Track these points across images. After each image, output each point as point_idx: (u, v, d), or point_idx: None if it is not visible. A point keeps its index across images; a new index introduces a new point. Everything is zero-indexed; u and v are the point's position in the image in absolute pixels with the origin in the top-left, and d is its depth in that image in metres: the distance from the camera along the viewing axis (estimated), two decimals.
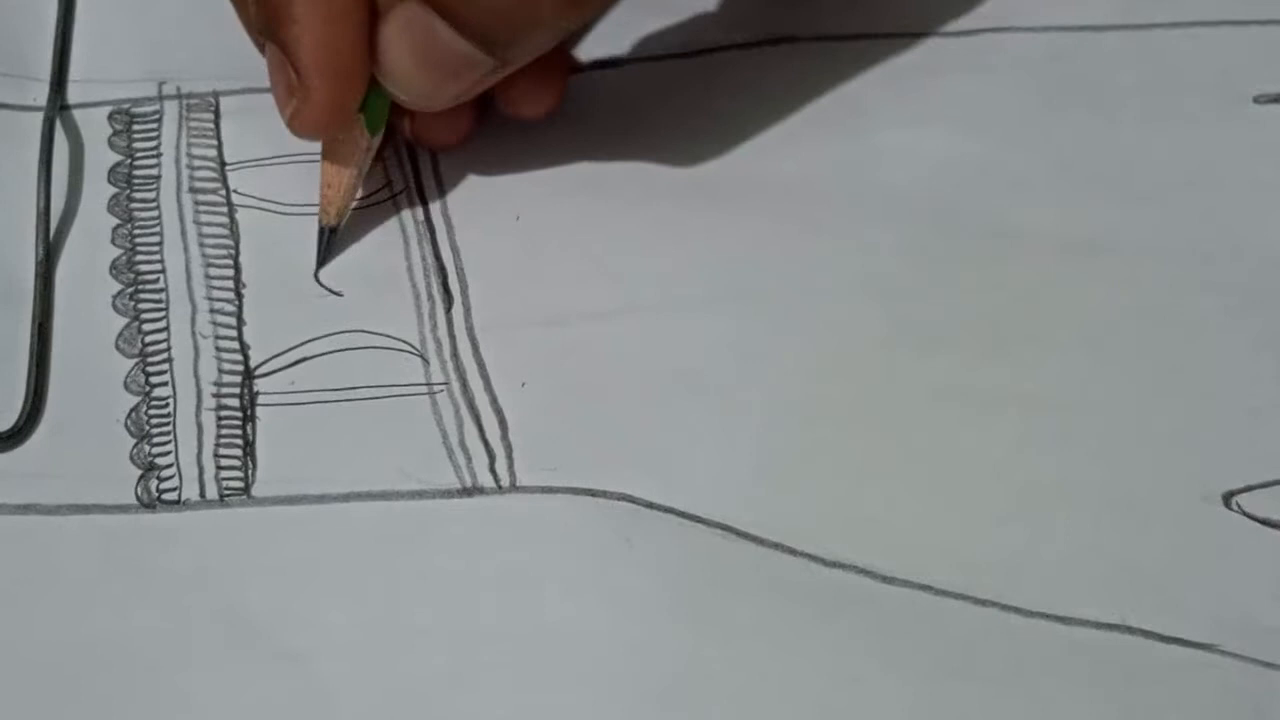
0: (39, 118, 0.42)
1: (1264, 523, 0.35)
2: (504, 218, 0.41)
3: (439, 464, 0.36)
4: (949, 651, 0.33)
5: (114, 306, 0.39)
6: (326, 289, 0.39)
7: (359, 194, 0.40)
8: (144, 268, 0.39)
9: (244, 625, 0.33)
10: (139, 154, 0.42)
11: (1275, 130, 0.43)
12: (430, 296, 0.39)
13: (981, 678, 0.33)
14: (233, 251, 0.40)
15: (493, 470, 0.36)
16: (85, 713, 0.32)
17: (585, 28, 0.44)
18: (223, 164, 0.42)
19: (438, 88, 0.38)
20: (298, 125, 0.38)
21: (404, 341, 0.38)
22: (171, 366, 0.37)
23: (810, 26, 0.45)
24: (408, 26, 0.37)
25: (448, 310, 0.39)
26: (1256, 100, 0.43)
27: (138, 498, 0.35)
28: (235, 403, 0.37)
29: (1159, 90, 0.44)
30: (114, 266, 0.39)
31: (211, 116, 0.43)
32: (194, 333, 0.38)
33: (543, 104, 0.41)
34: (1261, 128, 0.43)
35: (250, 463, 0.36)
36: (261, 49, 0.38)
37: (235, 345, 0.38)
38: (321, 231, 0.39)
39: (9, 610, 0.33)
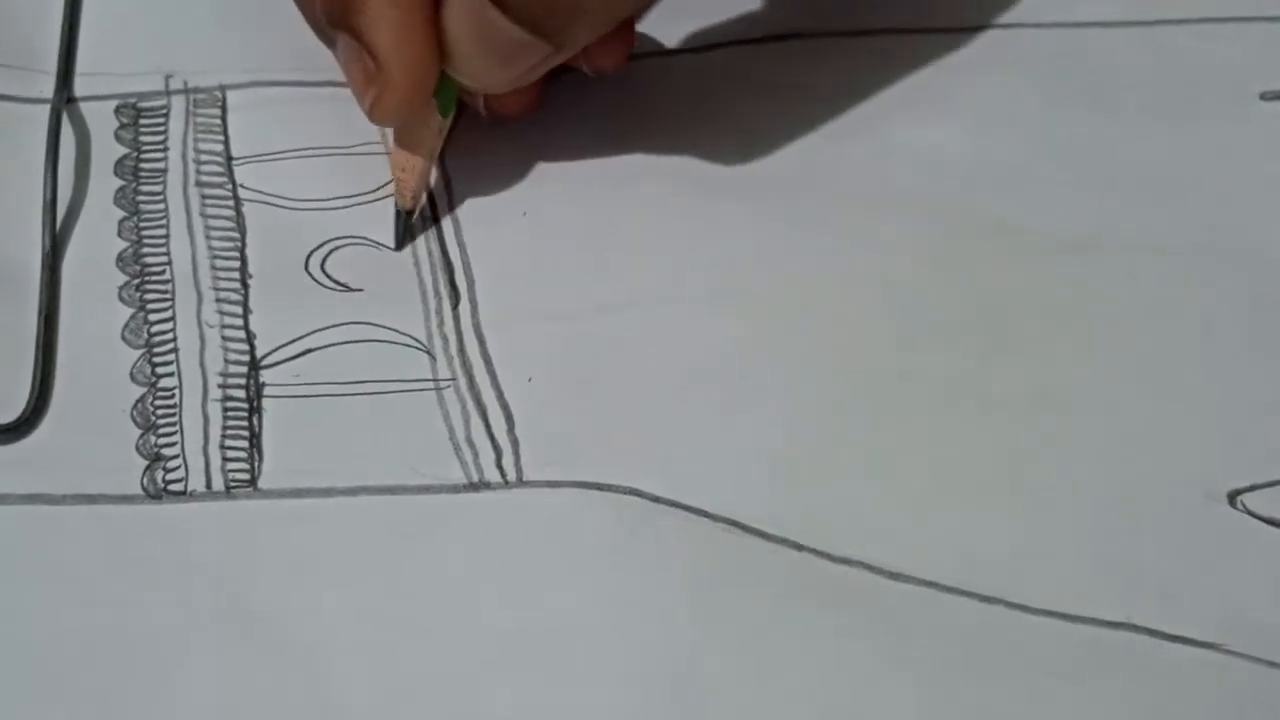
0: (45, 110, 0.42)
1: (1269, 522, 0.35)
2: (511, 214, 0.41)
3: (446, 459, 0.36)
4: (954, 648, 0.33)
5: (120, 298, 0.39)
6: (334, 281, 0.39)
7: (357, 191, 0.40)
8: (150, 260, 0.39)
9: (249, 617, 0.33)
10: (145, 147, 0.42)
11: None
12: (437, 292, 0.39)
13: (986, 675, 0.33)
14: (239, 243, 0.40)
15: (499, 465, 0.36)
16: (90, 702, 0.32)
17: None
18: (229, 159, 0.42)
19: (497, 72, 0.38)
20: (380, 112, 0.38)
21: (410, 337, 0.38)
22: (177, 357, 0.37)
23: (819, 23, 0.45)
24: (465, 12, 0.37)
25: (454, 306, 0.39)
26: (1263, 97, 0.43)
27: (144, 488, 0.35)
28: (241, 394, 0.37)
29: (1166, 87, 0.44)
30: (120, 258, 0.39)
31: (218, 111, 0.43)
32: (200, 323, 0.38)
33: (616, 56, 0.41)
34: (1268, 125, 0.43)
35: (256, 454, 0.36)
36: (330, 43, 0.39)
37: (241, 334, 0.38)
38: (398, 214, 0.40)
39: (15, 600, 0.33)
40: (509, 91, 0.40)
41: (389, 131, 0.41)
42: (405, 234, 0.40)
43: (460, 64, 0.38)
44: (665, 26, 0.44)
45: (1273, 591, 0.34)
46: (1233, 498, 0.35)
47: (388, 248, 0.40)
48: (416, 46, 0.37)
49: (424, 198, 0.40)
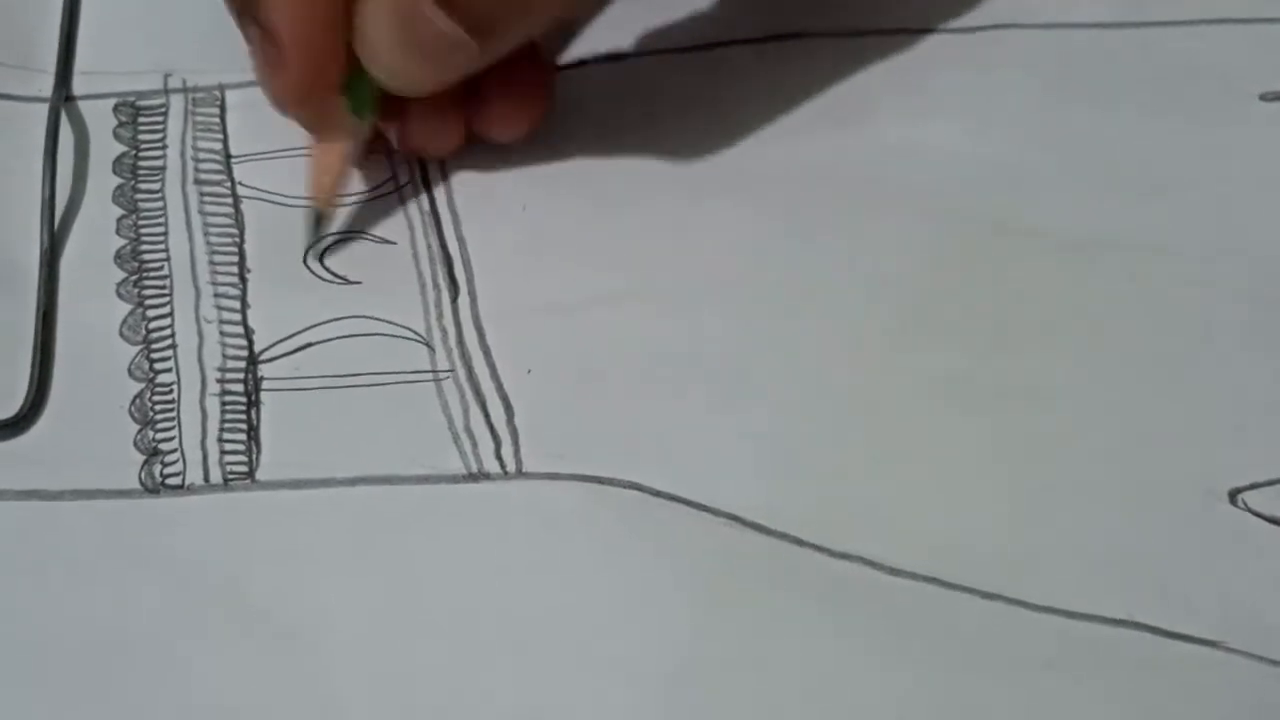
0: (44, 108, 0.42)
1: (1270, 520, 0.35)
2: (510, 207, 0.41)
3: (445, 449, 0.36)
4: (955, 644, 0.33)
5: (118, 294, 0.39)
6: (333, 275, 0.39)
7: (359, 186, 0.40)
8: (148, 256, 0.39)
9: (248, 610, 0.33)
10: (144, 146, 0.42)
11: None
12: (436, 285, 0.39)
13: (986, 671, 0.33)
14: (237, 239, 0.40)
15: (498, 456, 0.36)
16: (89, 697, 0.32)
17: (569, 28, 0.44)
18: (228, 157, 0.42)
19: (418, 70, 0.37)
20: (276, 93, 0.38)
21: (409, 329, 0.38)
22: (175, 352, 0.37)
23: (816, 22, 0.45)
24: (394, 2, 0.36)
25: (453, 299, 0.39)
26: (1262, 98, 0.43)
27: (142, 483, 0.35)
28: (239, 388, 0.37)
29: (1164, 88, 0.44)
30: (118, 256, 0.39)
31: (217, 110, 0.43)
32: (198, 318, 0.38)
33: (517, 128, 0.41)
34: (1267, 125, 0.43)
35: (254, 447, 0.36)
36: (244, 33, 0.39)
37: (240, 330, 0.38)
38: (311, 214, 0.40)
39: (13, 595, 0.33)
40: (428, 127, 0.40)
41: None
42: (316, 237, 0.39)
43: (379, 59, 0.37)
44: (664, 26, 0.44)
45: (1273, 590, 0.34)
46: (1233, 496, 0.35)
47: (387, 242, 0.40)
48: (315, 26, 0.37)
49: (343, 197, 0.40)
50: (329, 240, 0.40)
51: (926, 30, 0.45)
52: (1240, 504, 0.35)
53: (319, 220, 0.40)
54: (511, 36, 0.37)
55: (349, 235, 0.40)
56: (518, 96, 0.39)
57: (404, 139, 0.41)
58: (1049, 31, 0.45)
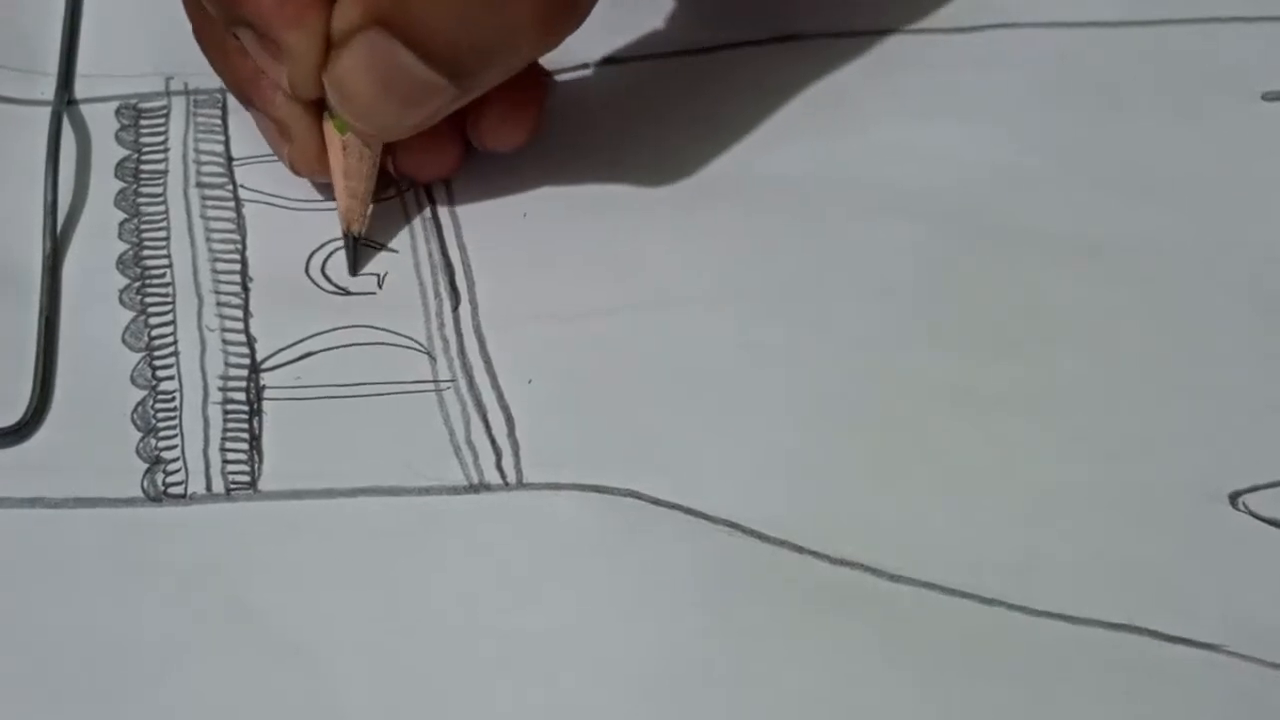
0: (46, 112, 0.42)
1: (1270, 523, 0.35)
2: (511, 215, 0.41)
3: (445, 461, 0.36)
4: (955, 651, 0.33)
5: (120, 301, 0.39)
6: (335, 285, 0.39)
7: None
8: (150, 262, 0.39)
9: (249, 620, 0.33)
10: (146, 149, 0.42)
11: None
12: (437, 294, 0.39)
13: (987, 677, 0.33)
14: (239, 245, 0.40)
15: (499, 467, 0.36)
16: (91, 705, 0.32)
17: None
18: (230, 159, 0.42)
19: (398, 115, 0.38)
20: (298, 170, 0.40)
21: (411, 339, 0.38)
22: (178, 360, 0.37)
23: (814, 24, 0.45)
24: (370, 54, 0.37)
25: (455, 308, 0.39)
26: (1265, 98, 0.43)
27: (144, 491, 0.35)
28: (241, 396, 0.37)
29: (1167, 87, 0.44)
30: (121, 261, 0.39)
31: (219, 112, 0.43)
32: (200, 326, 0.38)
33: (515, 137, 0.40)
34: (1270, 125, 0.43)
35: (256, 457, 0.36)
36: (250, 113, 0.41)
37: (242, 338, 0.38)
38: (347, 238, 0.39)
39: (16, 603, 0.33)
40: (425, 153, 0.40)
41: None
42: (356, 257, 0.39)
43: (358, 108, 0.38)
44: (664, 29, 0.44)
45: (1274, 593, 0.34)
46: (1234, 499, 0.35)
47: (389, 249, 0.40)
48: (315, 112, 0.39)
49: (365, 222, 0.40)
50: (330, 246, 0.40)
51: (926, 30, 0.45)
52: (1241, 506, 0.35)
53: (356, 242, 0.39)
54: (490, 77, 0.37)
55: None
56: (512, 105, 0.39)
57: (400, 164, 0.41)
58: (1050, 30, 0.45)
